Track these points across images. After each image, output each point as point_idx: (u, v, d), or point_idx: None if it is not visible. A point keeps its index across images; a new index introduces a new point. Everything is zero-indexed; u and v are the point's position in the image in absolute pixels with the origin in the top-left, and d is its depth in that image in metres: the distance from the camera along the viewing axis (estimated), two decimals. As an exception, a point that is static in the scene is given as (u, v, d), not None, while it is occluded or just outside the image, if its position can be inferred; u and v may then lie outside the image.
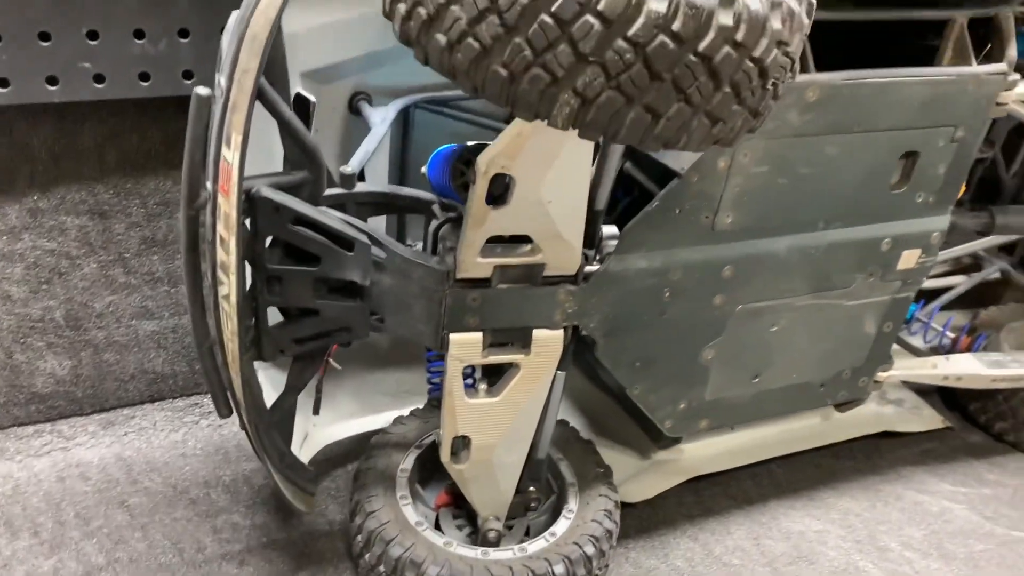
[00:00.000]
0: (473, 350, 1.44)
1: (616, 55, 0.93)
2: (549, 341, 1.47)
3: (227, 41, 1.29)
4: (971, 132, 1.65)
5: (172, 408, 2.13)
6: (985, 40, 1.63)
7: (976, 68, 1.59)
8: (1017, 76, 1.64)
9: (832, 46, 1.49)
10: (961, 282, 2.46)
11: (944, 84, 1.56)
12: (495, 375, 1.52)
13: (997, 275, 2.50)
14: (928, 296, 2.52)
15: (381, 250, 1.41)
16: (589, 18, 0.91)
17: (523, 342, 1.47)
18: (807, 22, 1.06)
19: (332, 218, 1.40)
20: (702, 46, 0.94)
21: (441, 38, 0.99)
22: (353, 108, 1.72)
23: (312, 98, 1.54)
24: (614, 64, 0.93)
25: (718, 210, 1.51)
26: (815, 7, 1.08)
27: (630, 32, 0.92)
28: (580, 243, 1.40)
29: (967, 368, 2.07)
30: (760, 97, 1.05)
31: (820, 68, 1.48)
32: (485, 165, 1.23)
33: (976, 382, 2.09)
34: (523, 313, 1.44)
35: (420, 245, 1.55)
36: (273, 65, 1.29)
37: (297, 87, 1.55)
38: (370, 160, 1.59)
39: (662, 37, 0.93)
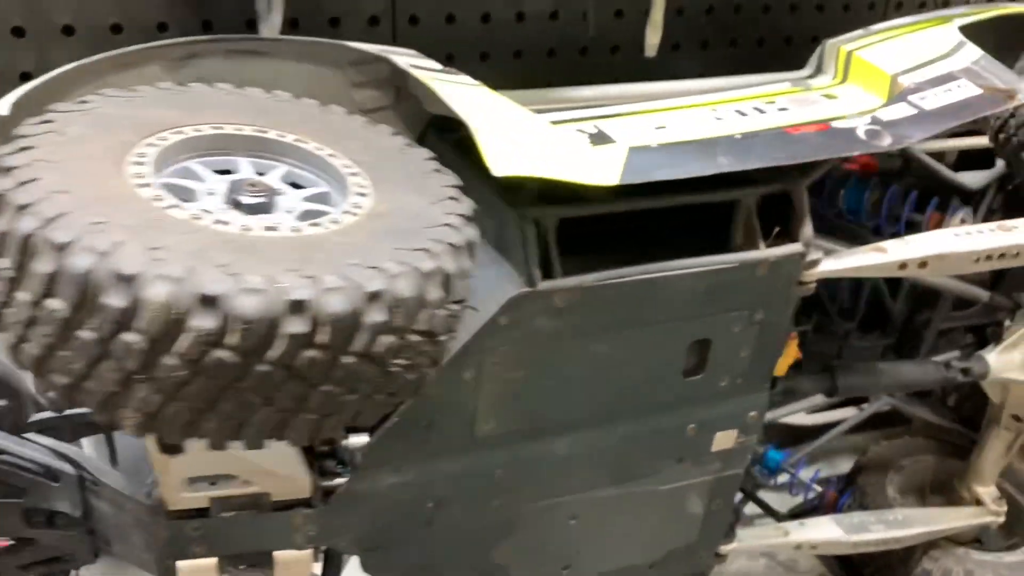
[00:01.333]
0: (206, 577, 1.32)
1: (168, 372, 0.82)
2: (295, 562, 1.35)
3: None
4: (773, 313, 1.52)
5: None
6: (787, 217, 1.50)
7: (763, 252, 1.46)
8: (819, 254, 1.51)
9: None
10: (848, 416, 2.32)
11: (726, 272, 1.43)
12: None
13: (887, 408, 2.35)
14: (812, 433, 2.38)
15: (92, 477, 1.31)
16: (128, 337, 0.81)
17: (266, 563, 1.35)
18: (436, 295, 0.95)
19: (36, 448, 1.30)
20: (273, 355, 0.84)
21: (5, 335, 0.89)
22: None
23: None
24: (168, 380, 0.83)
25: (475, 419, 1.39)
26: (453, 276, 0.97)
27: (177, 349, 0.81)
28: (303, 470, 1.29)
29: (824, 534, 1.91)
30: (389, 380, 0.94)
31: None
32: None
33: (835, 549, 1.94)
34: (256, 538, 1.33)
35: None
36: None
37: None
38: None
39: (218, 352, 0.82)
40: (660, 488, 1.64)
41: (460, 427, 1.39)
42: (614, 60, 2.10)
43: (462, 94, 1.35)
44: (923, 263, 1.55)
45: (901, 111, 1.55)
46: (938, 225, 1.76)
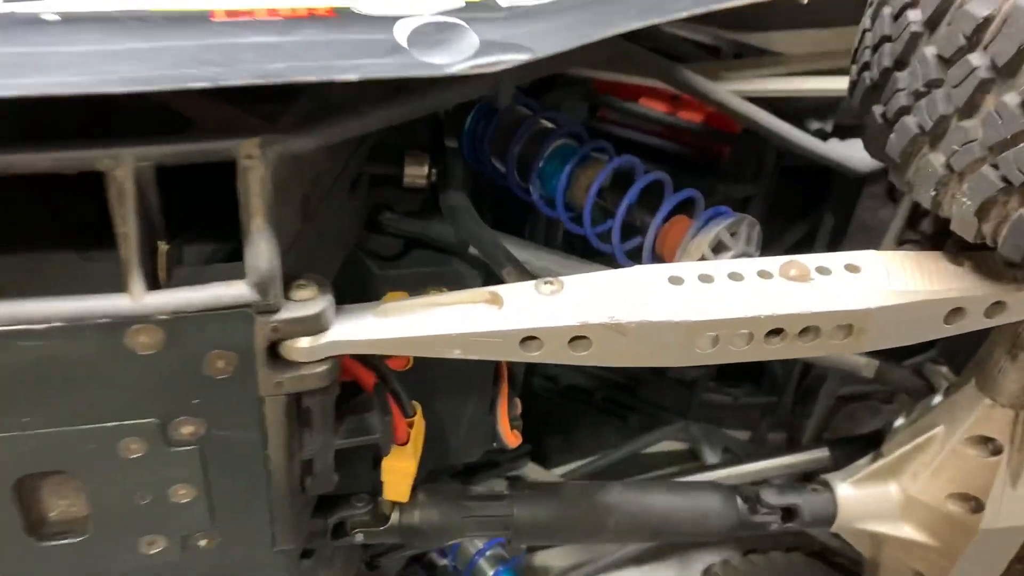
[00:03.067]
0: None
1: None
2: None
3: None
4: (229, 423, 0.70)
5: None
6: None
7: (136, 302, 0.63)
8: (317, 307, 0.67)
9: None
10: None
11: (27, 343, 0.61)
12: None
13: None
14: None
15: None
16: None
17: None
18: None
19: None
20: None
21: None
22: None
23: None
24: None
25: None
26: None
27: None
28: None
29: None
30: None
31: None
32: None
33: None
34: None
35: None
36: None
37: None
38: None
39: None
40: None
41: None
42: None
43: None
44: (579, 337, 0.69)
45: (553, -8, 0.68)
46: (676, 243, 0.85)
